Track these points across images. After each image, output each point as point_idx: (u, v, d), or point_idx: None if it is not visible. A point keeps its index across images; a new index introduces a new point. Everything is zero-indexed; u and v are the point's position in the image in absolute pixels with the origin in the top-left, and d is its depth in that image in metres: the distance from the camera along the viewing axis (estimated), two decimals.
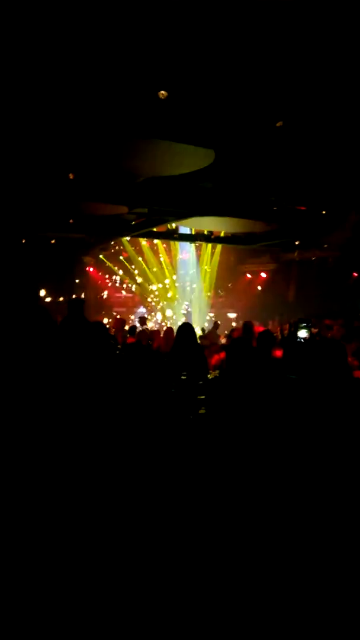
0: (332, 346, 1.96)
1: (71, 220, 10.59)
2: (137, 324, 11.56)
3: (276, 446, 1.79)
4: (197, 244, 15.35)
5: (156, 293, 16.57)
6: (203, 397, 2.84)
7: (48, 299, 14.57)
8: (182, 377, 3.07)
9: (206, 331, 10.33)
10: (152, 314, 16.69)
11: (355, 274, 16.42)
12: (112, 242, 14.05)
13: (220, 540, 1.53)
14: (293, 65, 4.05)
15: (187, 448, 2.18)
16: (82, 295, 14.58)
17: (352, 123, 5.12)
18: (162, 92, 4.53)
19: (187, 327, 4.03)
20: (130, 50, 3.88)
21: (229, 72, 4.20)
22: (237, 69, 4.13)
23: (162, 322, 16.14)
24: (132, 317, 15.54)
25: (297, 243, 12.64)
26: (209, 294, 16.89)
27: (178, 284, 16.72)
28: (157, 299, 16.76)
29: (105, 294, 16.11)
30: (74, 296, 12.92)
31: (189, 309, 15.33)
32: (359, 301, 16.36)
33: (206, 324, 15.13)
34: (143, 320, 9.79)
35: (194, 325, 4.27)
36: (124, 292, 16.46)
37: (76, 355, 2.99)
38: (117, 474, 1.73)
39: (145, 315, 14.70)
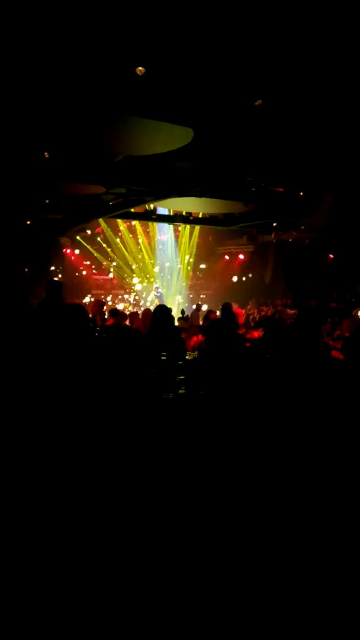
0: (308, 324, 1.98)
1: (47, 201, 10.38)
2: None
3: (257, 425, 1.81)
4: (175, 225, 15.26)
5: (134, 275, 16.47)
6: (182, 377, 2.86)
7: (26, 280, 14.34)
8: (162, 358, 3.07)
9: (186, 313, 10.34)
10: (127, 296, 16.62)
11: (331, 256, 16.62)
12: (90, 223, 13.82)
13: (208, 528, 1.54)
14: (272, 43, 4.00)
15: (169, 428, 2.19)
16: (60, 277, 14.38)
17: (331, 104, 5.11)
18: (140, 68, 4.43)
19: (162, 309, 4.03)
20: (108, 26, 3.77)
21: (207, 49, 4.13)
22: (216, 45, 4.06)
23: (135, 302, 16.08)
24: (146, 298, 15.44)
25: (274, 225, 12.67)
26: (185, 274, 16.88)
27: (157, 266, 16.65)
28: (136, 281, 16.67)
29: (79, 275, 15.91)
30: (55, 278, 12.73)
31: (160, 291, 15.32)
32: (335, 282, 16.60)
33: (186, 305, 15.14)
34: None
35: (171, 307, 4.27)
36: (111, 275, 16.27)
37: (54, 339, 2.96)
38: (100, 458, 1.72)
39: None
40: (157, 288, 15.44)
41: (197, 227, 14.77)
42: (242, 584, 1.40)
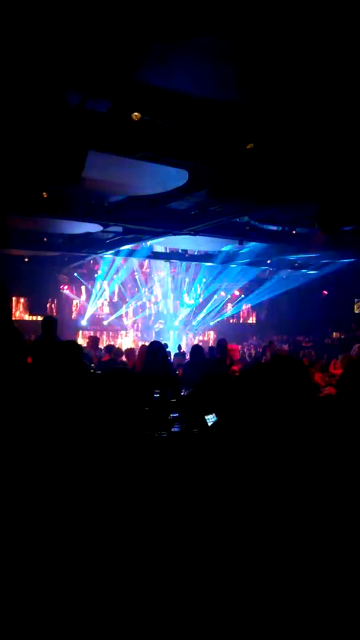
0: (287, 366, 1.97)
1: (45, 239, 10.55)
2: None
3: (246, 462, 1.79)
4: (172, 263, 15.46)
5: (130, 312, 16.55)
6: (177, 414, 2.84)
7: (26, 317, 14.38)
8: (155, 395, 3.06)
9: (182, 349, 10.34)
10: (127, 332, 16.63)
11: (325, 292, 16.80)
12: (88, 260, 14.01)
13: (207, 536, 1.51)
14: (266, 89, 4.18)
15: (161, 468, 2.16)
16: (54, 313, 14.43)
17: (326, 146, 5.29)
18: (135, 114, 4.60)
19: (156, 345, 4.05)
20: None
21: (201, 90, 4.31)
22: (208, 87, 4.24)
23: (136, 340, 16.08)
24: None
25: (268, 262, 12.88)
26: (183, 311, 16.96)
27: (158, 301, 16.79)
28: (132, 317, 16.74)
29: (75, 311, 15.96)
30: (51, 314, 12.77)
31: (162, 327, 15.33)
32: (329, 319, 16.72)
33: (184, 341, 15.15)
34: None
35: (170, 342, 4.27)
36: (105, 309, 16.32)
37: (46, 377, 2.95)
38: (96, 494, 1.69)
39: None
40: (160, 323, 15.49)
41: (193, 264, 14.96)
42: (242, 584, 1.37)
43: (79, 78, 4.13)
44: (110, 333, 16.43)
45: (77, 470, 1.73)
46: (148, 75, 4.08)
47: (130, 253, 11.88)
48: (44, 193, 7.18)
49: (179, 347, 10.54)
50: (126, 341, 16.09)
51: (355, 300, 16.53)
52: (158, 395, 3.06)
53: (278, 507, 1.56)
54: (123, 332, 16.60)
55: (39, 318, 9.30)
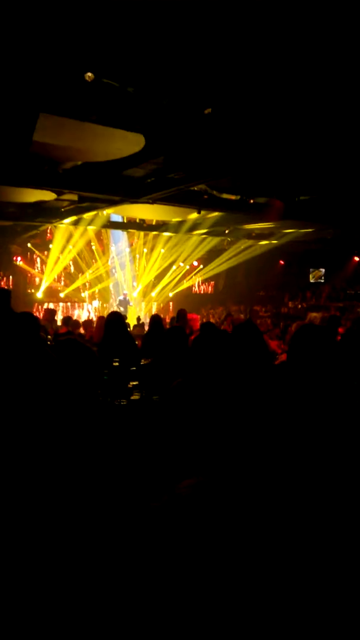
0: (245, 329, 2.01)
1: None
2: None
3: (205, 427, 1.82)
4: (129, 234, 15.21)
5: (87, 282, 16.27)
6: (136, 382, 2.84)
7: None
8: (115, 364, 3.04)
9: (142, 320, 10.32)
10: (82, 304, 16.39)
11: (282, 262, 17.09)
12: (42, 230, 13.55)
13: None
14: (220, 52, 4.08)
15: (122, 435, 2.16)
16: (10, 286, 13.99)
17: (276, 106, 5.26)
18: (89, 74, 4.40)
19: (115, 316, 4.01)
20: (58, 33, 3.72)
21: (158, 54, 4.16)
22: (164, 50, 4.09)
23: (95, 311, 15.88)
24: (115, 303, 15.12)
25: (226, 232, 12.90)
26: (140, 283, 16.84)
27: (113, 273, 16.54)
28: (89, 288, 16.47)
29: (30, 283, 15.53)
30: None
31: (127, 299, 15.10)
32: (285, 287, 17.08)
33: (140, 313, 15.08)
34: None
35: (132, 314, 4.22)
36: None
37: (2, 348, 2.86)
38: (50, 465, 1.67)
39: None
40: (125, 294, 15.22)
41: (151, 235, 14.78)
42: (241, 584, 1.39)
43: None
44: (68, 305, 16.14)
45: (35, 438, 1.70)
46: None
47: (86, 222, 11.58)
48: None
49: (138, 319, 10.52)
50: (84, 313, 15.87)
51: (310, 269, 16.95)
52: (117, 364, 3.05)
53: (237, 466, 1.59)
54: (81, 304, 16.35)
55: None
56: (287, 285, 17.18)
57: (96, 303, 16.44)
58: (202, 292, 19.22)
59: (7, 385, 2.15)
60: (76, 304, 16.26)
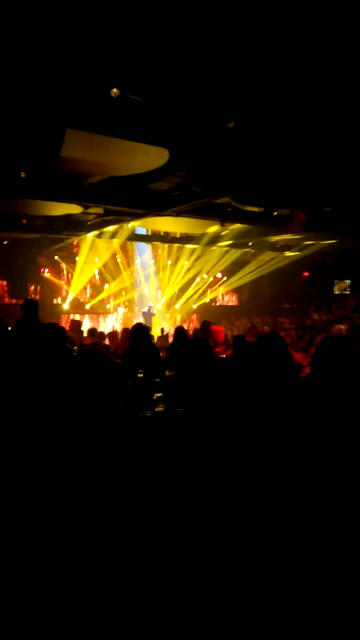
0: (271, 341, 1.99)
1: (24, 220, 10.35)
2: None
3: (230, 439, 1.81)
4: (154, 245, 15.35)
5: (112, 294, 16.44)
6: (160, 394, 2.85)
7: (2, 301, 14.17)
8: (139, 375, 3.06)
9: (166, 331, 10.35)
10: (109, 315, 16.55)
11: (306, 274, 16.93)
12: (68, 243, 13.80)
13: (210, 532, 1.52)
14: (246, 65, 4.12)
15: (146, 447, 2.17)
16: (37, 297, 14.25)
17: (303, 125, 5.27)
18: (114, 90, 4.50)
19: (139, 328, 4.04)
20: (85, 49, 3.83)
21: (181, 71, 4.23)
22: (191, 66, 4.16)
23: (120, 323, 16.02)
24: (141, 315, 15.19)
25: (250, 243, 12.88)
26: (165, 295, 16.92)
27: (137, 284, 16.69)
28: (114, 300, 16.64)
29: (56, 295, 15.78)
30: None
31: (152, 311, 15.12)
32: (310, 300, 16.89)
33: (164, 324, 15.13)
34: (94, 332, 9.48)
35: (156, 326, 4.25)
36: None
37: (29, 358, 2.91)
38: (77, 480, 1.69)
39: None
40: (150, 306, 15.25)
41: (175, 247, 14.87)
42: (241, 585, 1.38)
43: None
44: (93, 316, 16.32)
45: (58, 447, 1.72)
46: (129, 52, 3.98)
47: (112, 235, 11.74)
48: (22, 173, 7.02)
49: (162, 330, 10.54)
50: (109, 324, 16.02)
51: (335, 281, 16.73)
52: (141, 375, 3.06)
53: (266, 483, 1.58)
54: (106, 316, 16.51)
55: (19, 302, 9.16)
56: (311, 296, 16.99)
57: (120, 315, 16.58)
58: (226, 303, 19.17)
59: (31, 393, 2.19)
60: (101, 316, 16.43)
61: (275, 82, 4.38)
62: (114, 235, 11.71)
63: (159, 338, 9.61)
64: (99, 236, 11.74)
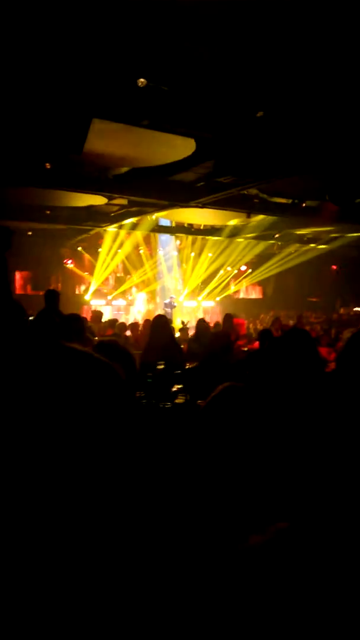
0: (298, 336, 1.93)
1: (48, 211, 10.42)
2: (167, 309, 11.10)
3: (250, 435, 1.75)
4: (177, 237, 15.28)
5: (134, 285, 16.48)
6: (180, 386, 2.82)
7: (25, 292, 14.36)
8: (159, 367, 3.02)
9: (186, 323, 10.31)
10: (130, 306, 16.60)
11: (335, 267, 16.60)
12: (92, 234, 13.86)
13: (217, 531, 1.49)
14: (274, 56, 4.00)
15: (166, 437, 2.13)
16: (59, 288, 14.39)
17: (334, 115, 5.10)
18: (141, 79, 4.43)
19: (160, 320, 4.00)
20: (110, 37, 3.78)
21: (209, 60, 4.13)
22: (218, 56, 4.06)
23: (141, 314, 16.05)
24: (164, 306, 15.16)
25: (277, 236, 12.69)
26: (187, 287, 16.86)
27: (160, 276, 16.67)
28: (137, 292, 16.68)
29: (79, 286, 15.90)
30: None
31: (174, 303, 15.02)
32: (337, 294, 16.57)
33: (185, 317, 15.07)
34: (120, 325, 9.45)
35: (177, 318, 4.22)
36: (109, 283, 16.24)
37: (47, 349, 2.91)
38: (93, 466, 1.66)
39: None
40: (172, 298, 15.13)
41: (199, 239, 14.77)
42: (241, 585, 1.34)
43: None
44: (115, 308, 16.40)
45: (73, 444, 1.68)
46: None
47: (135, 226, 11.73)
48: (47, 164, 7.04)
49: (182, 323, 10.51)
50: (131, 316, 16.08)
51: None
52: (162, 367, 3.03)
53: (285, 479, 1.53)
54: (127, 307, 16.57)
55: (41, 293, 9.25)
56: (339, 291, 16.66)
57: (142, 306, 16.58)
58: (250, 296, 18.98)
59: (46, 383, 2.18)
60: (123, 307, 16.49)
61: (306, 70, 4.24)
62: (137, 226, 11.69)
63: (180, 330, 9.58)
64: (122, 228, 11.75)
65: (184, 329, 9.40)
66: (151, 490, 1.67)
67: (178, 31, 3.76)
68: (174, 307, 14.77)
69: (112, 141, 5.92)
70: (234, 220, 10.38)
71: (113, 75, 4.41)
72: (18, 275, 14.51)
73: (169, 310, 14.18)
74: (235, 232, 12.22)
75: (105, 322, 9.41)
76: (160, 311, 14.70)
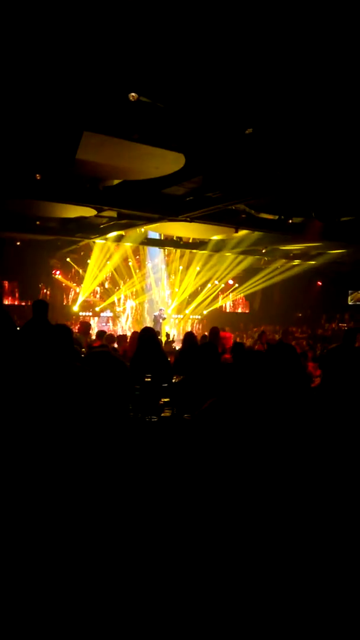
0: (284, 350, 1.95)
1: (38, 222, 10.41)
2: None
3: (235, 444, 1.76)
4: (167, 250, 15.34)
5: (122, 297, 16.46)
6: (167, 399, 2.81)
7: (13, 302, 14.26)
8: (147, 380, 3.01)
9: (171, 337, 10.30)
10: (119, 318, 16.56)
11: (320, 283, 16.81)
12: (81, 245, 13.86)
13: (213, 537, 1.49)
14: (263, 73, 4.09)
15: (152, 451, 2.12)
16: (48, 298, 14.31)
17: (322, 133, 5.22)
18: (133, 94, 4.49)
19: (148, 332, 4.00)
20: (101, 48, 3.83)
21: (199, 77, 4.21)
22: (208, 73, 4.14)
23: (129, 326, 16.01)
24: (96, 322, 15.21)
25: (263, 251, 12.82)
26: (176, 300, 16.90)
27: (148, 289, 16.69)
28: (125, 303, 16.66)
29: (71, 297, 15.84)
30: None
31: (163, 315, 15.00)
32: (323, 309, 16.74)
33: (172, 330, 15.07)
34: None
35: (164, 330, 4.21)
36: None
37: (35, 360, 2.89)
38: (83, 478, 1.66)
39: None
40: (161, 311, 15.12)
41: (187, 253, 14.85)
42: (241, 585, 1.35)
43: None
44: (102, 319, 16.35)
45: (64, 449, 1.69)
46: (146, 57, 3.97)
47: (125, 239, 11.76)
48: (38, 175, 7.06)
49: (167, 335, 10.48)
50: (118, 328, 16.03)
51: (350, 291, 16.58)
52: (149, 380, 3.02)
53: (274, 491, 1.54)
54: (115, 319, 16.52)
55: (29, 303, 9.19)
56: (324, 306, 16.84)
57: (129, 318, 16.55)
58: (237, 310, 19.09)
59: (36, 393, 2.17)
60: (110, 319, 16.44)
61: (294, 89, 4.34)
62: (126, 238, 11.72)
63: (165, 343, 9.57)
64: (111, 240, 11.77)
65: (168, 342, 9.39)
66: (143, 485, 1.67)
67: (168, 47, 3.82)
68: (164, 319, 14.77)
69: (102, 153, 5.96)
70: (219, 236, 10.48)
71: (105, 89, 4.46)
72: (6, 285, 14.41)
73: (159, 322, 14.15)
74: (222, 246, 12.32)
75: (93, 333, 9.37)
76: (149, 323, 14.69)
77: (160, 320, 14.31)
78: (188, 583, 1.40)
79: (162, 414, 2.63)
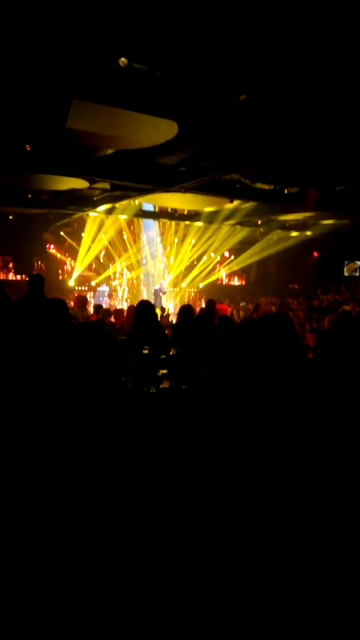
0: (279, 320, 1.95)
1: (30, 195, 10.24)
2: (100, 302, 11.06)
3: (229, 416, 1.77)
4: (161, 222, 15.18)
5: (118, 271, 16.37)
6: (165, 371, 2.83)
7: (7, 277, 14.16)
8: (144, 352, 3.03)
9: (166, 310, 10.30)
10: (115, 292, 16.51)
11: (316, 254, 16.74)
12: (75, 218, 13.67)
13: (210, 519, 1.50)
14: (258, 39, 3.96)
15: (150, 422, 2.14)
16: (43, 272, 14.20)
17: (316, 100, 5.09)
18: (123, 59, 4.35)
19: (144, 306, 4.00)
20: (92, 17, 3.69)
21: (193, 42, 4.07)
22: (202, 38, 4.00)
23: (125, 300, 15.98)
24: (91, 296, 15.14)
25: (259, 222, 12.71)
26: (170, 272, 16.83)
27: (144, 262, 16.59)
28: (121, 277, 16.58)
29: (62, 271, 15.72)
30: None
31: (164, 289, 14.81)
32: (319, 280, 16.72)
33: (167, 304, 15.04)
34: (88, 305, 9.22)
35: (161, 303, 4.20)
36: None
37: (32, 334, 2.89)
38: (78, 461, 1.66)
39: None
40: (162, 284, 14.91)
41: (182, 225, 14.70)
42: (241, 584, 1.37)
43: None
44: (100, 294, 16.28)
45: (60, 424, 1.69)
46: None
47: (118, 211, 11.60)
48: (27, 146, 6.90)
49: (162, 309, 10.47)
50: (116, 302, 16.00)
51: (345, 262, 16.54)
52: (147, 352, 3.03)
53: (270, 466, 1.55)
54: (113, 293, 16.47)
55: (25, 278, 9.12)
56: (320, 277, 16.82)
57: (126, 292, 16.49)
58: (233, 283, 19.03)
59: (31, 366, 2.17)
60: (106, 292, 16.37)
61: (289, 54, 4.21)
62: (120, 211, 11.56)
63: (161, 317, 9.58)
64: (105, 212, 11.61)
65: (164, 316, 9.40)
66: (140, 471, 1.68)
67: (162, 11, 3.68)
68: (164, 293, 14.66)
69: (93, 122, 5.81)
70: (211, 208, 10.34)
71: (94, 55, 4.32)
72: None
73: (160, 296, 14.00)
74: (218, 218, 12.19)
75: (89, 308, 9.35)
76: (145, 297, 14.61)
77: (161, 294, 14.20)
78: (188, 568, 1.41)
79: (161, 386, 2.66)
